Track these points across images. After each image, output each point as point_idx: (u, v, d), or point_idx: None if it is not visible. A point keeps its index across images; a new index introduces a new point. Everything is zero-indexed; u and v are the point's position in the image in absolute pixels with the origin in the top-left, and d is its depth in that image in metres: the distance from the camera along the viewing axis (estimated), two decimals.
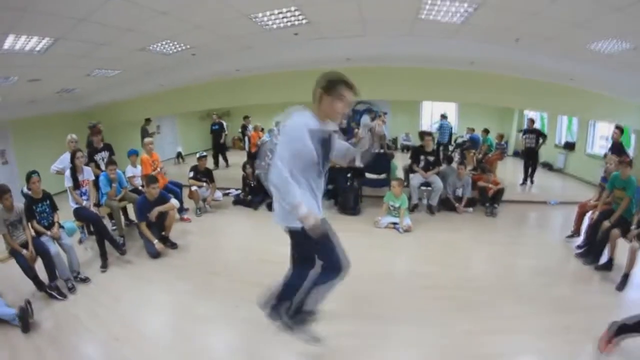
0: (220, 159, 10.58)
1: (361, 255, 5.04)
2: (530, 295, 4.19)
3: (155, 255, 4.76)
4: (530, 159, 8.91)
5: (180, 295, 4.03)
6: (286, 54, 6.79)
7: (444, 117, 10.90)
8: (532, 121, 8.95)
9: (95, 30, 4.72)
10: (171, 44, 5.91)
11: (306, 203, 2.37)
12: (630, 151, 8.19)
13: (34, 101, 7.86)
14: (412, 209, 6.82)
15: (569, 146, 10.43)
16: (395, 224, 5.98)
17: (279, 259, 4.56)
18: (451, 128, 11.21)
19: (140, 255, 4.74)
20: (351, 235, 5.63)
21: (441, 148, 10.34)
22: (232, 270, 4.39)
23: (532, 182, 8.95)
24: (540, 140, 8.63)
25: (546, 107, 8.94)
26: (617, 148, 6.71)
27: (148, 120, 10.00)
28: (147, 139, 6.73)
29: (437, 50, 6.31)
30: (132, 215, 5.95)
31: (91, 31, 4.71)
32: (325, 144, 2.54)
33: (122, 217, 5.69)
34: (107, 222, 5.43)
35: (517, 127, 12.34)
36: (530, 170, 8.94)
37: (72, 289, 4.16)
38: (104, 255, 4.70)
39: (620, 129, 6.90)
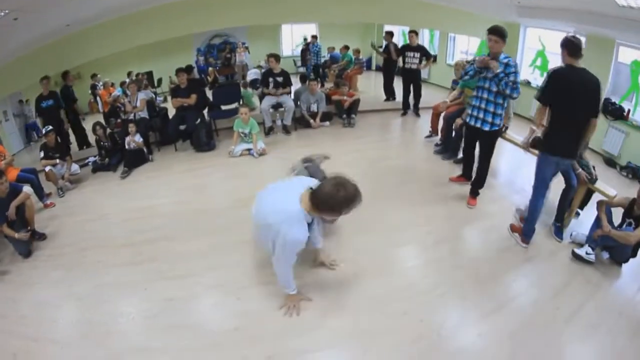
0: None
1: (218, 188, 5.13)
2: (396, 193, 4.56)
3: (26, 253, 4.11)
4: (411, 81, 7.46)
5: (59, 286, 3.54)
6: None
7: (314, 37, 10.63)
8: (389, 34, 8.23)
9: None
10: None
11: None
12: None
13: None
14: (268, 132, 6.79)
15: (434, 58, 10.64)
16: (249, 149, 5.93)
17: (138, 214, 4.58)
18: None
19: (14, 260, 4.13)
20: (207, 170, 5.65)
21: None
22: (100, 240, 4.13)
23: (417, 113, 7.77)
24: (424, 61, 7.28)
25: (403, 20, 8.81)
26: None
27: None
28: None
29: None
30: None
31: None
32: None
33: None
34: None
35: (377, 42, 12.57)
36: (413, 98, 7.68)
37: None
38: None
39: (415, 32, 7.31)
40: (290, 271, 2.71)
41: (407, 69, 7.30)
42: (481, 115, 3.86)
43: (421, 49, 7.22)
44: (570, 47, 3.06)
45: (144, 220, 4.42)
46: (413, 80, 7.42)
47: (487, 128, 3.85)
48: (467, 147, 4.43)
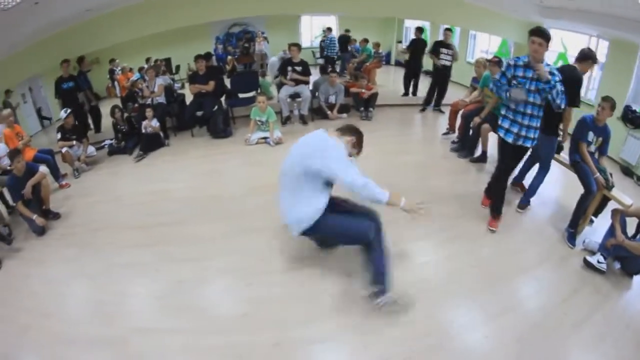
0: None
1: (233, 175, 5.18)
2: (410, 188, 4.38)
3: (40, 231, 4.20)
4: (443, 78, 7.36)
5: (71, 264, 3.63)
6: None
7: (330, 30, 10.64)
8: (419, 30, 7.97)
9: None
10: None
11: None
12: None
13: None
14: (285, 121, 6.83)
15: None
16: (265, 138, 5.96)
17: (152, 198, 4.67)
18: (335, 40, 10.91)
19: (28, 238, 4.21)
20: (222, 157, 5.70)
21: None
22: (113, 222, 4.21)
23: (441, 110, 7.55)
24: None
25: (425, 15, 8.80)
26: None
27: (8, 92, 8.57)
28: (4, 112, 5.73)
29: None
30: None
31: None
32: None
33: (3, 206, 4.97)
34: None
35: (396, 37, 12.54)
36: (436, 95, 7.56)
37: None
38: None
39: (450, 30, 7.22)
40: (363, 177, 2.56)
41: (441, 66, 7.18)
42: (523, 133, 3.39)
43: (452, 47, 7.14)
44: (580, 54, 3.68)
45: (158, 204, 4.50)
46: (445, 77, 7.33)
47: (529, 144, 3.46)
48: (508, 166, 3.77)
